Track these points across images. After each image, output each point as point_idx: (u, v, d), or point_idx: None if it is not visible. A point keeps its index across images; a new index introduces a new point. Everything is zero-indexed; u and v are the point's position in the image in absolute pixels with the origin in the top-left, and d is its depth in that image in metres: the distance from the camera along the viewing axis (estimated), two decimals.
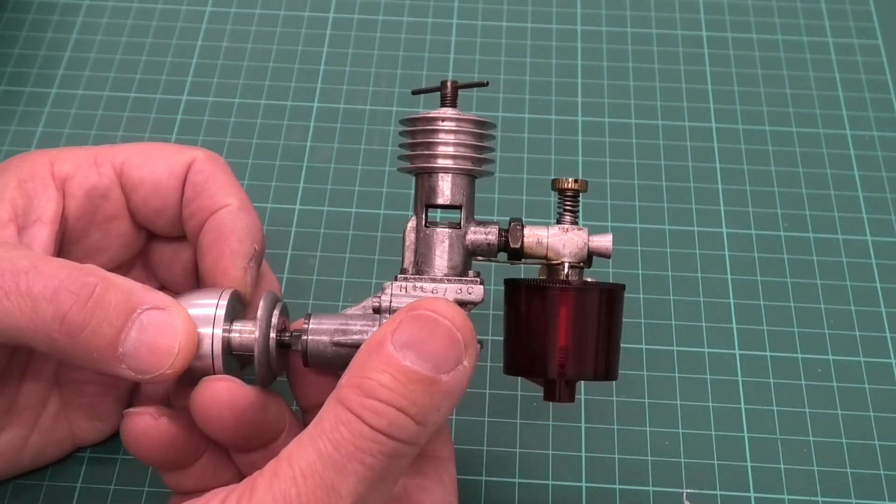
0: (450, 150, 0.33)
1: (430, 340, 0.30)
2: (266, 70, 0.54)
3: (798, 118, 0.52)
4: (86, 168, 0.37)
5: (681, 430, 0.42)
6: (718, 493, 0.40)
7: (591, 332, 0.33)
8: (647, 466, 0.41)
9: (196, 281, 0.39)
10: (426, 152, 0.34)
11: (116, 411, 0.39)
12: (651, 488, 0.40)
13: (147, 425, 0.34)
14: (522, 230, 0.34)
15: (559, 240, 0.34)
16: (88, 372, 0.37)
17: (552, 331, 0.33)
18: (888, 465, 0.41)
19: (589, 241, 0.34)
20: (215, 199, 0.37)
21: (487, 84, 0.36)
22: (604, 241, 0.34)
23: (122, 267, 0.39)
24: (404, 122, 0.34)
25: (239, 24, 0.56)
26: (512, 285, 0.34)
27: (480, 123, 0.34)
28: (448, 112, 0.34)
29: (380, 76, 0.54)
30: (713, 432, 0.42)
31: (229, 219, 0.37)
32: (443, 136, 0.34)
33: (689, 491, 0.40)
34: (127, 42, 0.55)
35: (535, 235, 0.34)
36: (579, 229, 0.34)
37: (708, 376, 0.43)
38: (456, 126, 0.33)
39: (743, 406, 0.42)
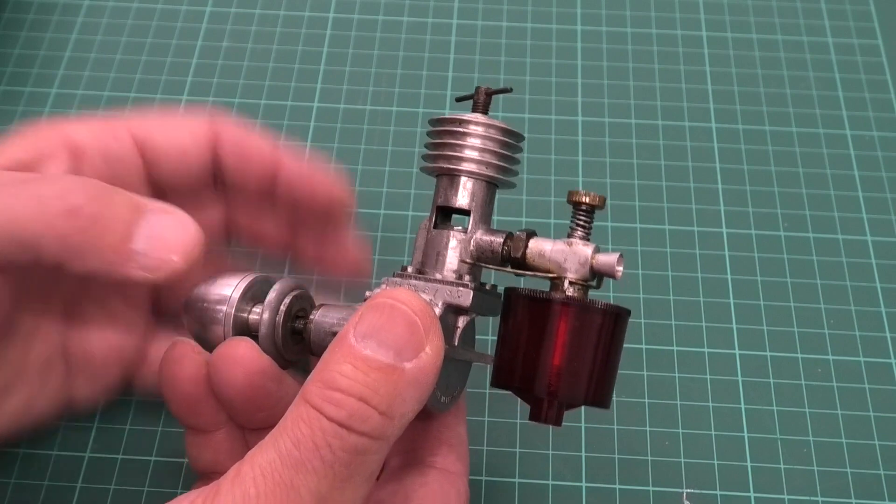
0: (462, 152, 0.33)
1: (390, 328, 0.30)
2: (266, 70, 0.54)
3: (798, 118, 0.52)
4: (101, 133, 0.36)
5: (681, 430, 0.42)
6: (718, 493, 0.40)
7: (587, 354, 0.31)
8: (647, 466, 0.41)
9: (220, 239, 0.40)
10: (438, 153, 0.34)
11: (118, 378, 0.39)
12: (651, 488, 0.40)
13: (187, 354, 0.34)
14: (527, 241, 0.33)
15: (562, 253, 0.32)
16: (97, 333, 0.37)
17: (547, 347, 0.31)
18: (888, 465, 0.41)
19: (593, 258, 0.32)
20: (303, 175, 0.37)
21: (511, 90, 0.35)
22: (608, 260, 0.32)
23: None
24: (430, 122, 0.35)
25: (239, 24, 0.56)
26: (511, 294, 0.33)
27: (502, 130, 0.33)
28: (465, 115, 0.34)
29: (380, 76, 0.54)
30: (713, 432, 0.42)
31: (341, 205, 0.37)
32: (455, 139, 0.33)
33: (689, 491, 0.40)
34: (127, 42, 0.55)
35: (539, 247, 0.33)
36: (585, 245, 0.32)
37: (708, 376, 0.43)
38: (468, 129, 0.33)
39: (743, 406, 0.42)
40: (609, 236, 0.47)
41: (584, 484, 0.40)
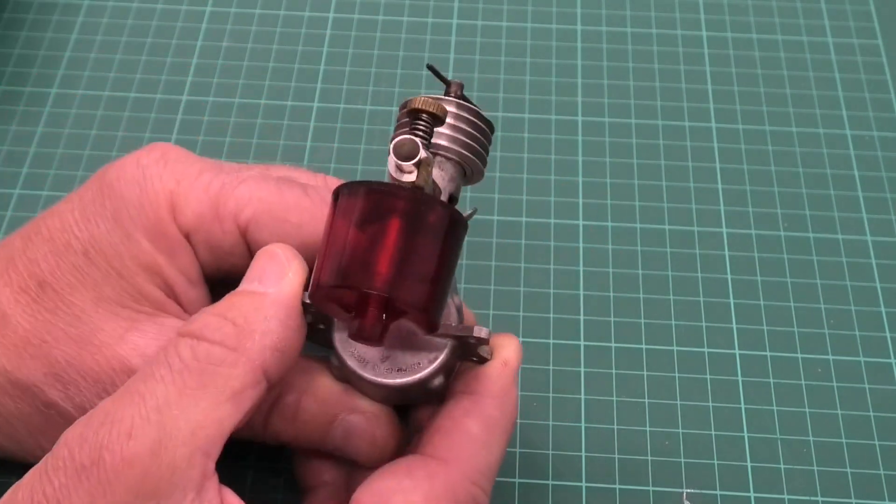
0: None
1: (254, 265, 0.30)
2: (266, 70, 0.54)
3: (798, 118, 0.52)
4: (209, 223, 0.33)
5: (681, 430, 0.42)
6: (718, 493, 0.40)
7: (423, 250, 0.29)
8: (647, 466, 0.41)
9: None
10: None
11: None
12: (651, 488, 0.40)
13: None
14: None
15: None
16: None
17: (380, 238, 0.29)
18: (888, 465, 0.41)
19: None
20: None
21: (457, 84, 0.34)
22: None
23: None
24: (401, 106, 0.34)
25: (239, 24, 0.56)
26: (349, 189, 0.30)
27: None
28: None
29: (380, 76, 0.54)
30: (713, 432, 0.42)
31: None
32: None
33: (689, 491, 0.40)
34: (127, 42, 0.55)
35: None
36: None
37: (708, 376, 0.43)
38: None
39: (743, 406, 0.42)
40: (609, 236, 0.47)
41: (584, 484, 0.40)
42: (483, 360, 0.34)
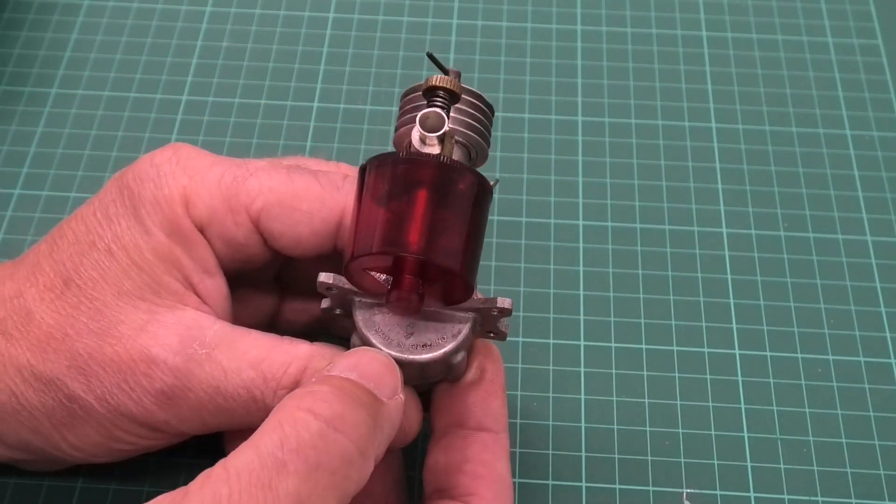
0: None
1: (367, 364, 0.30)
2: (266, 70, 0.54)
3: (798, 118, 0.52)
4: (221, 215, 0.34)
5: (681, 430, 0.42)
6: (718, 493, 0.40)
7: (456, 215, 0.30)
8: (647, 466, 0.41)
9: None
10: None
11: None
12: (651, 488, 0.40)
13: None
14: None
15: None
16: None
17: (413, 205, 0.30)
18: (888, 465, 0.41)
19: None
20: None
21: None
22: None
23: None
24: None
25: (239, 24, 0.56)
26: (378, 161, 0.31)
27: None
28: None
29: (380, 76, 0.54)
30: (713, 432, 0.42)
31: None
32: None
33: (689, 491, 0.40)
34: (127, 42, 0.55)
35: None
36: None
37: (708, 376, 0.43)
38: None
39: (743, 406, 0.42)
40: (609, 236, 0.47)
41: (584, 484, 0.40)
42: (501, 336, 0.34)
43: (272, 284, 0.39)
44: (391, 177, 0.31)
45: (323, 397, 0.28)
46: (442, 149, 0.32)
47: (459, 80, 0.34)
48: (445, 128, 0.32)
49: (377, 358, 0.31)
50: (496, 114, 0.36)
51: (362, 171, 0.32)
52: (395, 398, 0.30)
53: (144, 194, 0.33)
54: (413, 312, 0.32)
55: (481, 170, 0.33)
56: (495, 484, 0.33)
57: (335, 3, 0.57)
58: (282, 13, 0.56)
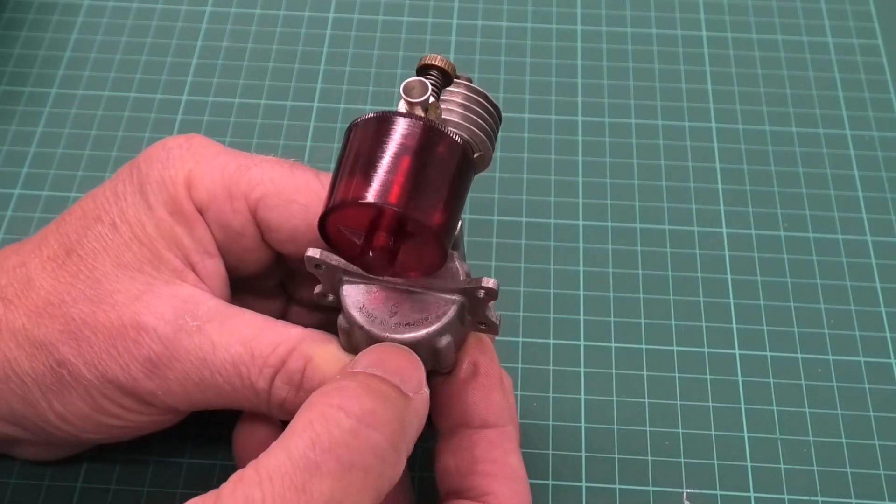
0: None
1: (393, 359, 0.31)
2: (266, 70, 0.54)
3: (798, 118, 0.52)
4: (220, 201, 0.34)
5: (681, 430, 0.42)
6: (718, 493, 0.40)
7: (438, 175, 0.30)
8: (647, 466, 0.41)
9: None
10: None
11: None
12: (651, 488, 0.40)
13: None
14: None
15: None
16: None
17: (394, 159, 0.30)
18: (888, 465, 0.41)
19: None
20: None
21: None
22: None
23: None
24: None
25: (239, 24, 0.56)
26: (364, 119, 0.31)
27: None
28: None
29: (380, 76, 0.54)
30: (713, 432, 0.42)
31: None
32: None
33: (689, 491, 0.40)
34: (127, 42, 0.55)
35: None
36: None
37: (708, 376, 0.43)
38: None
39: (743, 406, 0.42)
40: (609, 236, 0.47)
41: (584, 484, 0.40)
42: (493, 328, 0.34)
43: (276, 292, 0.39)
44: (374, 130, 0.31)
45: (352, 393, 0.28)
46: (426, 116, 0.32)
47: (470, 81, 0.34)
48: (428, 95, 0.32)
49: (401, 353, 0.31)
50: None
51: (348, 130, 0.32)
52: (421, 392, 0.30)
53: (152, 174, 0.34)
54: (383, 270, 0.32)
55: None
56: (509, 480, 0.33)
57: (335, 3, 0.57)
58: (282, 13, 0.56)
